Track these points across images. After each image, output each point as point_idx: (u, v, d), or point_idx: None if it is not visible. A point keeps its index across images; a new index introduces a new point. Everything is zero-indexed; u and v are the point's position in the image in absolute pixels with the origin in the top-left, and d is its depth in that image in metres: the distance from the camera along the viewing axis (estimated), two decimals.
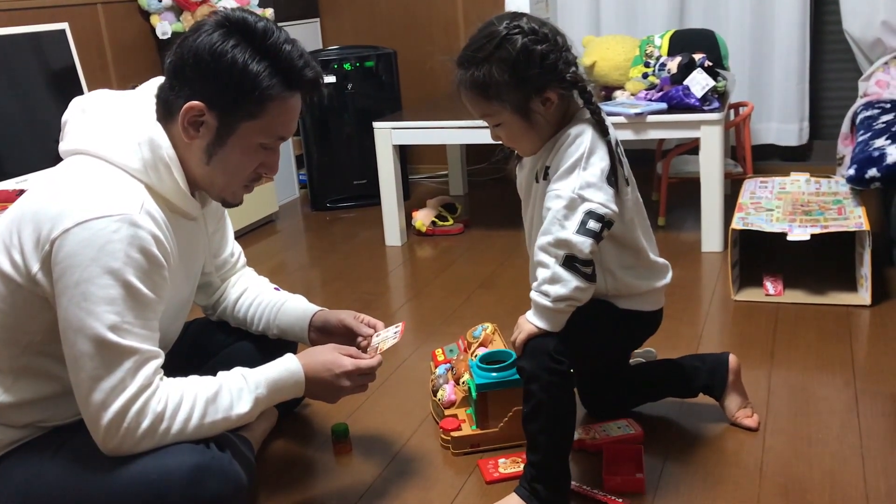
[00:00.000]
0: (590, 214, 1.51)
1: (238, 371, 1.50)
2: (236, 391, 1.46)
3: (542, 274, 1.54)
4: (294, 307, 1.86)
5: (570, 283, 1.51)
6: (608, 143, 1.56)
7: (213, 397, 1.43)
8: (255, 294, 1.87)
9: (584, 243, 1.50)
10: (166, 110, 1.46)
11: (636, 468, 1.69)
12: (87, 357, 1.34)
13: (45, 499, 1.40)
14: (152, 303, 1.39)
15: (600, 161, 1.53)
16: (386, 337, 1.72)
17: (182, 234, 1.53)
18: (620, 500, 1.61)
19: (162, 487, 1.36)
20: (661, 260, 1.72)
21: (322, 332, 1.82)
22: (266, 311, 1.85)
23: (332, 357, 1.58)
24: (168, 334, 1.61)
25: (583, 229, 1.51)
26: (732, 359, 1.87)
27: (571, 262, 1.51)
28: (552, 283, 1.52)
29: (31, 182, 1.47)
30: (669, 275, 1.74)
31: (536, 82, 1.53)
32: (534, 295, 1.55)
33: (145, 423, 1.36)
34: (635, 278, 1.66)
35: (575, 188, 1.51)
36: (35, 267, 1.36)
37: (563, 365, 1.54)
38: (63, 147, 1.48)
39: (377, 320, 1.80)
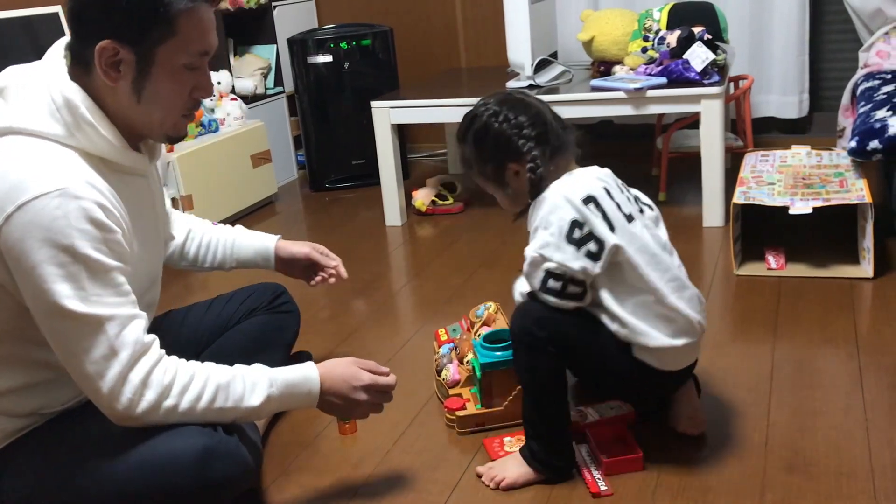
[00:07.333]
0: (549, 274, 1.58)
1: (256, 366, 1.49)
2: (250, 383, 1.45)
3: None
4: (250, 241, 1.98)
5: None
6: (586, 200, 1.57)
7: (227, 384, 1.43)
8: (201, 233, 1.95)
9: (548, 300, 1.60)
10: (81, 62, 1.39)
11: (630, 447, 1.69)
12: (67, 336, 1.32)
13: (56, 485, 1.40)
14: (115, 269, 1.35)
15: (559, 221, 1.57)
16: None
17: (133, 193, 1.48)
18: (604, 487, 1.61)
19: (170, 469, 1.36)
20: (685, 310, 1.60)
21: (286, 264, 2.01)
22: (219, 247, 1.95)
23: (351, 370, 1.57)
24: (143, 300, 1.55)
25: (544, 287, 1.60)
26: None
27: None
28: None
29: None
30: (692, 335, 1.62)
31: (496, 157, 1.65)
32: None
33: (150, 394, 1.35)
34: (648, 325, 1.59)
35: (536, 248, 1.60)
36: None
37: (540, 340, 1.59)
38: None
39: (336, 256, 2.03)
